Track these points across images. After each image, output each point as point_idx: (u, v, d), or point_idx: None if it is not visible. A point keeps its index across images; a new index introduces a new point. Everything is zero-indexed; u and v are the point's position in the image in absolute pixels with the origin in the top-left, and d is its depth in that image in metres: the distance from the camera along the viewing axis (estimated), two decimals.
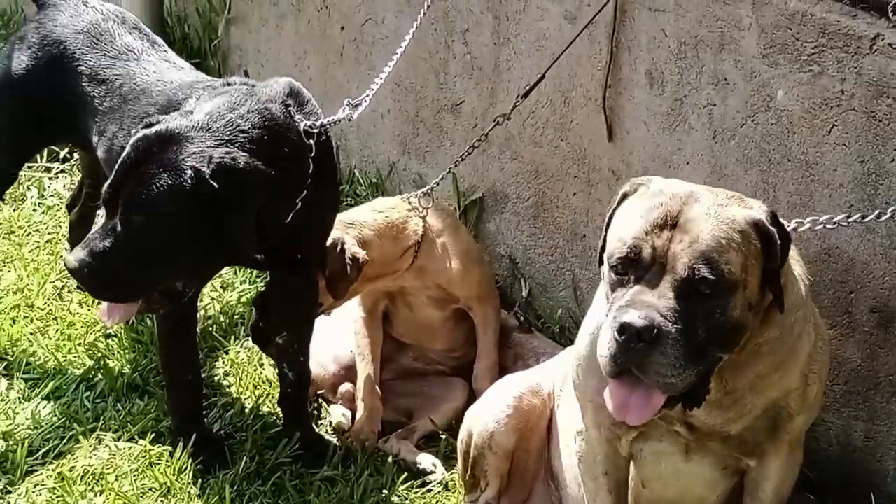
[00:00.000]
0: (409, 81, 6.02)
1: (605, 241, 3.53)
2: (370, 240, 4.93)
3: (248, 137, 4.26)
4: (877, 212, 3.84)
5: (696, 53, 4.57)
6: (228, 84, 4.54)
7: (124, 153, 4.22)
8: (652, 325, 3.23)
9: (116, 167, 4.21)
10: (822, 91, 4.15)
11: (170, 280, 4.34)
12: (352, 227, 4.91)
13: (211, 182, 4.10)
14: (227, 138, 4.22)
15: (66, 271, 4.32)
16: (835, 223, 3.82)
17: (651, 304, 3.27)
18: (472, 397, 5.02)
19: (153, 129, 4.23)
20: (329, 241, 4.76)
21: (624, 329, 3.25)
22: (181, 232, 4.17)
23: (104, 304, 4.41)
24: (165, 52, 5.07)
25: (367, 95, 4.85)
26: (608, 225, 3.53)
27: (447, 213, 5.31)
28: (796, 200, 4.29)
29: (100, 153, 4.88)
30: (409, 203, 5.11)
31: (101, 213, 4.37)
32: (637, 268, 3.33)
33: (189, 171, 4.10)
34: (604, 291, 3.62)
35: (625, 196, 3.54)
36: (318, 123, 4.48)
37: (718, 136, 4.55)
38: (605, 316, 3.40)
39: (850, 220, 3.83)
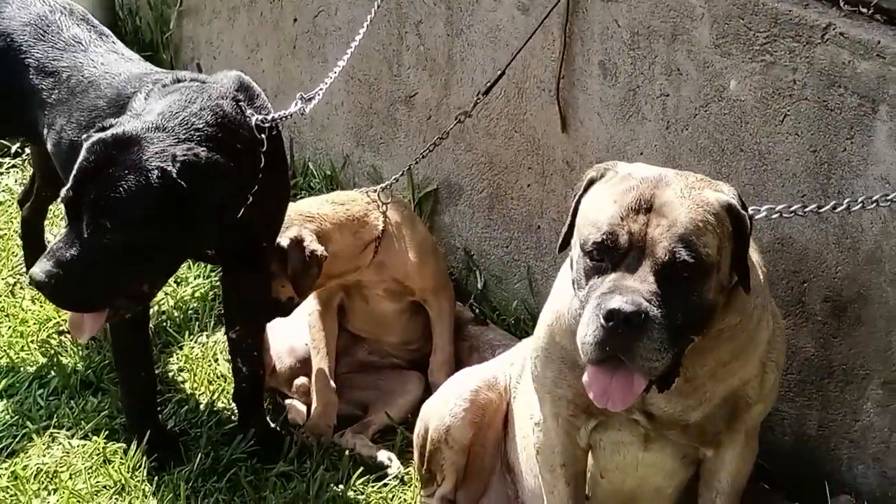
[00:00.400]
0: (362, 73, 5.99)
1: (571, 227, 3.52)
2: (330, 233, 4.90)
3: (203, 135, 4.24)
4: (832, 203, 3.85)
5: (649, 44, 4.57)
6: (178, 80, 4.51)
7: (81, 157, 4.17)
8: (639, 311, 3.21)
9: (75, 172, 4.16)
10: (775, 81, 4.16)
11: (140, 283, 4.31)
12: (311, 220, 4.88)
13: (178, 180, 4.08)
14: (183, 137, 4.20)
15: (32, 285, 4.24)
16: (791, 212, 3.83)
17: (635, 289, 3.25)
18: (428, 391, 5.01)
19: (109, 133, 4.18)
20: (288, 239, 4.73)
21: (612, 315, 3.22)
22: (152, 232, 4.14)
23: (72, 320, 4.37)
24: (114, 43, 5.02)
25: (320, 89, 4.83)
26: (574, 211, 3.52)
27: (403, 206, 5.30)
28: (749, 190, 4.29)
29: (49, 146, 4.83)
30: (369, 196, 5.10)
31: (58, 210, 4.32)
32: (614, 253, 3.31)
33: (155, 172, 4.07)
34: (565, 280, 3.60)
35: (591, 182, 3.52)
36: (269, 118, 4.46)
37: (672, 126, 4.55)
38: (582, 303, 3.37)
39: (805, 210, 3.84)
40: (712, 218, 3.33)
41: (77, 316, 4.34)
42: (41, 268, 4.13)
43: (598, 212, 3.37)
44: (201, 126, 4.25)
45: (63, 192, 4.17)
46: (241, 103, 4.44)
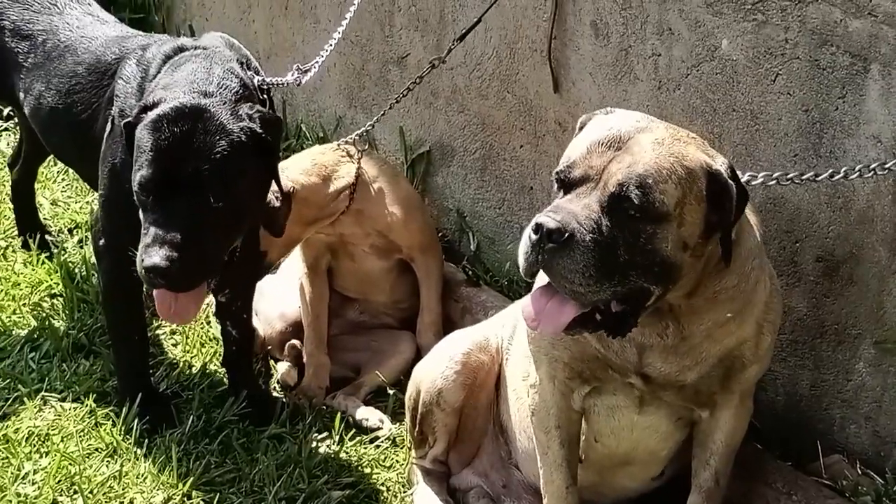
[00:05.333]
0: (354, 34, 5.96)
1: None
2: (295, 178, 4.88)
3: (237, 96, 4.19)
4: (830, 171, 3.80)
5: (641, 3, 4.54)
6: (182, 49, 4.44)
7: (150, 138, 4.00)
8: (563, 228, 3.23)
9: (153, 154, 3.98)
10: (766, 40, 4.13)
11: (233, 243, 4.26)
12: None
13: (263, 134, 4.09)
14: (229, 98, 4.14)
15: (151, 276, 3.97)
16: (788, 180, 3.79)
17: (571, 211, 3.27)
18: (420, 351, 5.00)
19: (167, 108, 4.03)
20: None
21: (538, 228, 3.26)
22: (253, 191, 4.18)
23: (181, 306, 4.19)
24: (89, 4, 5.00)
25: (317, 62, 4.81)
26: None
27: (382, 160, 5.31)
28: (741, 150, 4.27)
29: (26, 111, 4.81)
30: (340, 148, 5.10)
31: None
32: (571, 182, 3.34)
33: (242, 133, 4.04)
34: None
35: (583, 126, 3.55)
36: (268, 80, 4.46)
37: (664, 86, 4.53)
38: None
39: (802, 178, 3.79)
40: (681, 170, 3.30)
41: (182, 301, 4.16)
42: (160, 256, 3.94)
43: (575, 147, 3.41)
44: (235, 87, 4.21)
45: (146, 174, 4.00)
46: (243, 64, 4.43)
